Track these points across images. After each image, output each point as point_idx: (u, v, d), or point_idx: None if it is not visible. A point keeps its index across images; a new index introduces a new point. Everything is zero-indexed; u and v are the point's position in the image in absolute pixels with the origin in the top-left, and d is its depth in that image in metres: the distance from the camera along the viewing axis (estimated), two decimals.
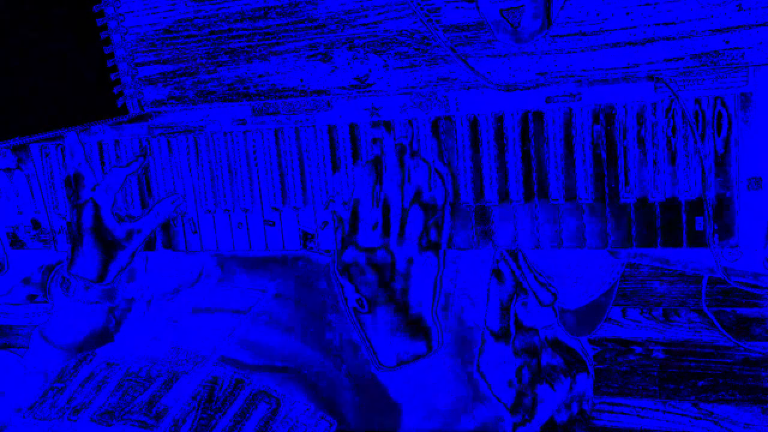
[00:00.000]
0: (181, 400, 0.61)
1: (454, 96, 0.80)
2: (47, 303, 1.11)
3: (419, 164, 0.77)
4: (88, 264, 0.84)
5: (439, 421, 0.77)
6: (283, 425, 0.60)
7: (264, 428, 0.59)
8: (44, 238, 1.07)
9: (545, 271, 0.91)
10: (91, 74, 0.87)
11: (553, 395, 0.94)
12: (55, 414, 0.64)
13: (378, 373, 0.76)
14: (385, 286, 0.74)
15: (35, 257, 1.08)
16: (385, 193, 0.75)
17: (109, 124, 0.96)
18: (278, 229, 0.92)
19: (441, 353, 0.77)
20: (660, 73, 0.73)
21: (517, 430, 0.87)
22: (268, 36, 0.84)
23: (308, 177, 0.89)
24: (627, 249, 0.79)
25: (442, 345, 0.78)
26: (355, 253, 0.76)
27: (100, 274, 0.84)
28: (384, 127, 0.80)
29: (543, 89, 0.78)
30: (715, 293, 0.98)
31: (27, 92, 0.77)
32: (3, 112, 0.74)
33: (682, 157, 0.75)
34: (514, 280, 0.89)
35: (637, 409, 1.03)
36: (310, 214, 0.90)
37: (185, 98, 0.90)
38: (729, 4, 0.68)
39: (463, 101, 0.81)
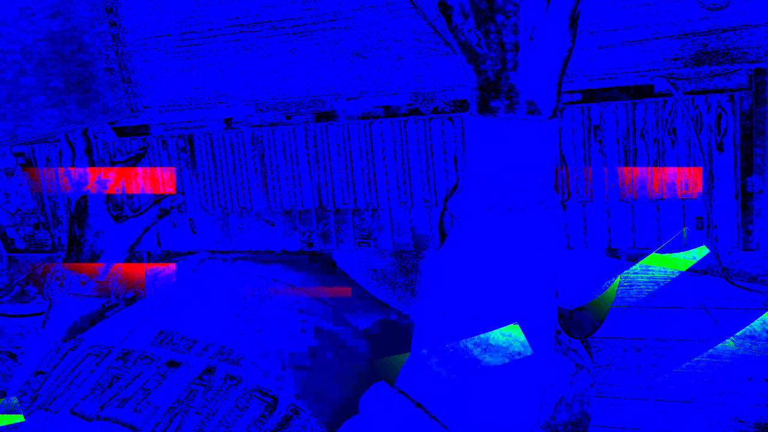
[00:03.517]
0: (170, 398, 0.58)
1: None
2: (45, 302, 1.10)
3: None
4: (83, 258, 0.84)
5: None
6: (277, 428, 0.56)
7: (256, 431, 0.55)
8: (44, 238, 1.06)
9: None
10: (91, 73, 0.87)
11: (552, 392, 0.94)
12: (36, 406, 0.61)
13: None
14: None
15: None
16: None
17: (109, 123, 0.96)
18: (279, 229, 0.92)
19: None
20: (659, 73, 0.73)
21: None
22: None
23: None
24: (628, 248, 0.80)
25: None
26: None
27: (95, 268, 0.84)
28: None
29: None
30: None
31: (27, 92, 0.77)
32: (3, 112, 0.74)
33: (683, 157, 0.75)
34: None
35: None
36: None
37: (185, 98, 0.90)
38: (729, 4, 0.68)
39: None
